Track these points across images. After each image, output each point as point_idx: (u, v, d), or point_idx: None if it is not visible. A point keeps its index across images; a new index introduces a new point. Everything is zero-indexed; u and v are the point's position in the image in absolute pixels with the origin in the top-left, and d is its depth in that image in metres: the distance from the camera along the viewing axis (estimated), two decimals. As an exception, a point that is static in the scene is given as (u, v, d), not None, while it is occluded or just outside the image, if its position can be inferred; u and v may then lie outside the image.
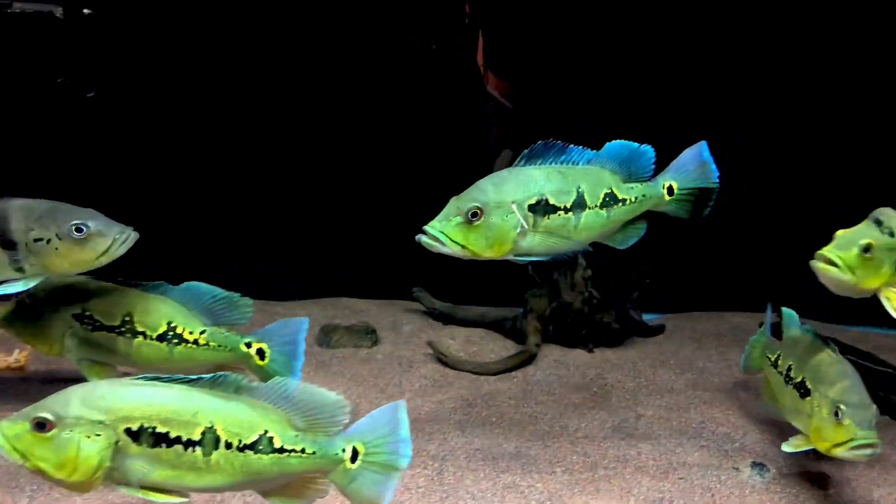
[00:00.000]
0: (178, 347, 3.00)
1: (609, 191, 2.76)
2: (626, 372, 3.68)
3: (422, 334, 3.99)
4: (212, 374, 2.06)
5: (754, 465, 2.91)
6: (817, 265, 2.51)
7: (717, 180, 2.81)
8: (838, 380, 2.60)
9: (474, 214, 2.55)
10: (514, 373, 3.65)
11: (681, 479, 2.81)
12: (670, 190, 2.87)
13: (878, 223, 2.58)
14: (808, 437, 2.62)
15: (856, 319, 4.49)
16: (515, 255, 2.68)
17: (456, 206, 2.60)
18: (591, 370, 3.69)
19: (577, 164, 2.73)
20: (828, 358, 2.71)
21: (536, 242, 2.68)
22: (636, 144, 2.80)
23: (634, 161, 2.80)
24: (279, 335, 2.96)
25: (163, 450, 1.97)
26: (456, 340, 3.95)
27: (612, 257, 3.09)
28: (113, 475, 1.99)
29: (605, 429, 3.17)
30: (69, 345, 3.03)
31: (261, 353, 2.95)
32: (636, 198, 2.82)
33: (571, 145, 2.75)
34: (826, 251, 2.52)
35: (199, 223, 4.29)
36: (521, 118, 4.30)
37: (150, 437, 1.97)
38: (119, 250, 2.82)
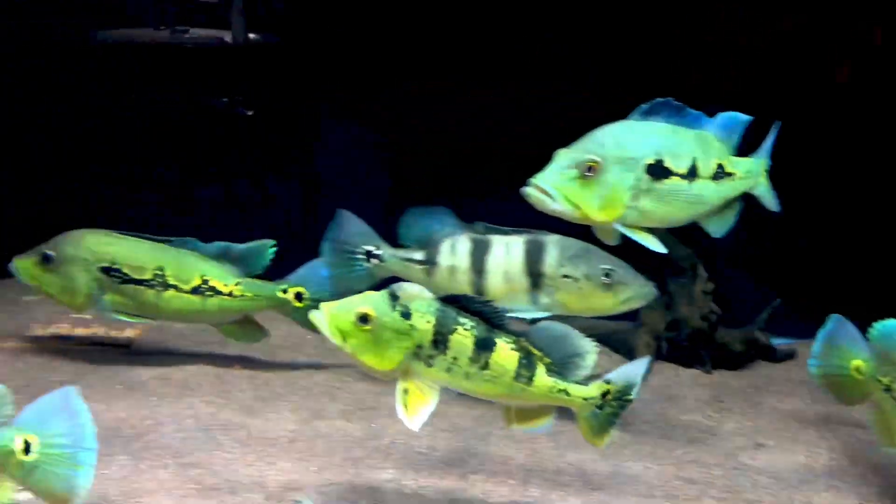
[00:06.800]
0: (212, 299, 3.12)
1: (719, 162, 2.48)
2: (747, 398, 3.29)
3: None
4: None
5: (895, 512, 2.49)
6: (313, 316, 2.08)
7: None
8: None
9: (590, 169, 2.28)
10: (619, 389, 3.34)
11: (803, 518, 2.44)
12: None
13: (394, 298, 2.10)
14: None
15: None
16: (623, 224, 2.40)
17: (571, 158, 2.32)
18: (707, 392, 3.32)
19: (691, 128, 2.45)
20: None
21: (648, 210, 2.39)
22: (747, 117, 2.52)
23: (741, 135, 2.52)
24: (312, 276, 3.05)
25: None
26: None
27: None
28: None
29: (716, 455, 2.81)
30: (96, 297, 3.13)
31: (299, 296, 3.07)
32: (742, 173, 2.53)
33: (687, 107, 2.47)
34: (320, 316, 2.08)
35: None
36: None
37: None
38: (636, 303, 2.77)
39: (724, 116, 2.50)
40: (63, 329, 3.46)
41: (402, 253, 2.84)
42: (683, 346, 3.55)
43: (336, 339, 2.11)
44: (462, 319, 2.15)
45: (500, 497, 2.47)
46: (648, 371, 2.31)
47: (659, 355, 3.56)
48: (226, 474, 2.50)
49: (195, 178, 4.37)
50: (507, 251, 2.72)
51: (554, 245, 2.71)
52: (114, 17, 4.13)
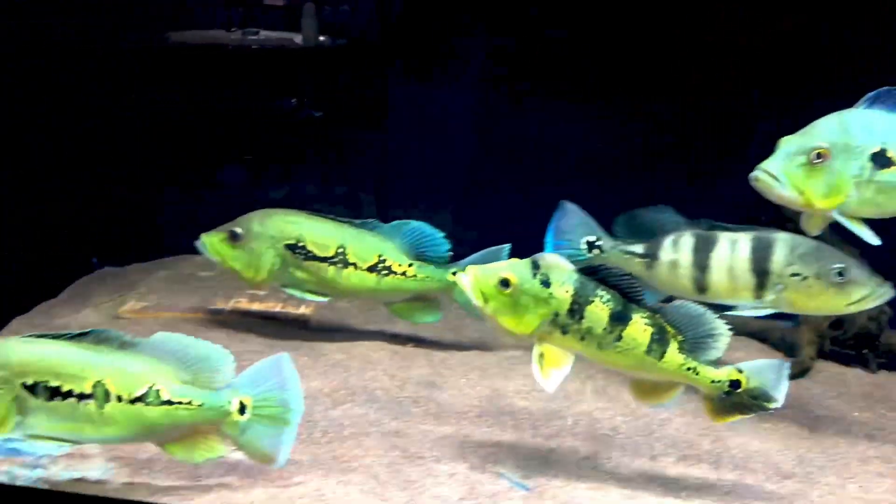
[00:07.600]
0: (387, 278, 3.26)
1: None
2: (919, 398, 3.27)
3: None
4: (92, 330, 2.14)
5: None
6: (459, 278, 2.31)
7: None
8: None
9: (819, 156, 2.33)
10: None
11: None
12: None
13: (536, 266, 2.24)
14: None
15: None
16: (841, 213, 2.43)
17: (799, 145, 2.38)
18: (876, 391, 3.31)
19: None
20: None
21: (865, 201, 2.42)
22: None
23: None
24: (485, 262, 3.03)
25: (59, 403, 2.08)
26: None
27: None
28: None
29: (900, 452, 2.82)
30: (278, 273, 3.29)
31: None
32: None
33: None
34: (467, 278, 2.27)
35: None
36: None
37: (45, 392, 2.08)
38: (871, 303, 2.71)
39: None
40: (242, 304, 3.64)
41: (623, 245, 2.90)
42: (847, 345, 3.53)
43: (478, 301, 2.26)
44: (600, 292, 2.26)
45: (696, 480, 2.53)
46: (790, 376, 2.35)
47: (821, 353, 3.55)
48: (426, 443, 2.63)
49: (266, 179, 4.43)
50: (732, 247, 2.75)
51: (783, 242, 2.71)
52: (185, 19, 4.20)
